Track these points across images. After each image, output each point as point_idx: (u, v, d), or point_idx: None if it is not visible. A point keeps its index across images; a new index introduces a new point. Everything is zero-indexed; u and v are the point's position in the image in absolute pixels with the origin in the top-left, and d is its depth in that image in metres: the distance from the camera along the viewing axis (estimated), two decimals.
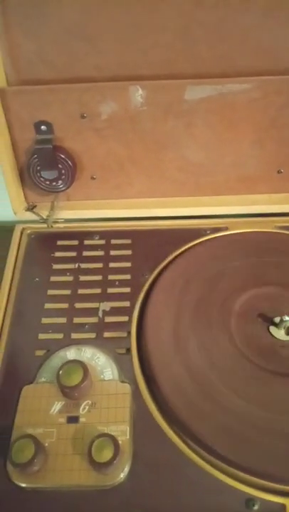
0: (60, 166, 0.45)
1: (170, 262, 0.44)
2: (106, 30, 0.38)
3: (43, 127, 0.43)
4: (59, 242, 0.47)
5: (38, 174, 0.45)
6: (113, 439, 0.30)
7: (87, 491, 0.30)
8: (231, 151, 0.46)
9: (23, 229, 0.49)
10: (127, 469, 0.30)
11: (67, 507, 0.29)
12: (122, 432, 0.32)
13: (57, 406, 0.33)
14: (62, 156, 0.44)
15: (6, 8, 0.37)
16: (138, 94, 0.41)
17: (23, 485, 0.30)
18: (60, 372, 0.33)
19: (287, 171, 0.47)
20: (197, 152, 0.46)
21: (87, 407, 0.33)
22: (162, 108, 0.42)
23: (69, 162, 0.44)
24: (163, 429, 0.32)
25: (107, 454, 0.29)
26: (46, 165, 0.44)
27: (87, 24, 0.38)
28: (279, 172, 0.47)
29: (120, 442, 0.30)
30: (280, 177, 0.48)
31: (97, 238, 0.47)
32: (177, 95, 0.41)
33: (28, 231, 0.48)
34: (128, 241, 0.47)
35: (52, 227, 0.49)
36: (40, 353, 0.37)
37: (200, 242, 0.46)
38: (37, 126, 0.43)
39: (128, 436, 0.32)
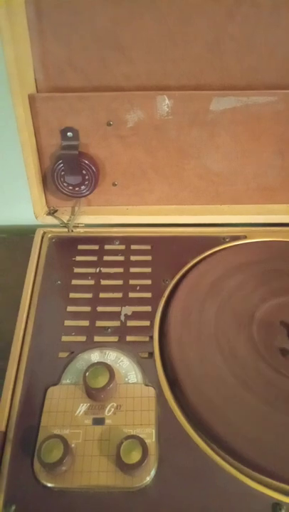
0: (84, 171, 0.45)
1: (190, 269, 0.45)
2: (137, 40, 0.39)
3: (69, 133, 0.44)
4: (80, 247, 0.48)
5: (62, 179, 0.46)
6: (141, 441, 0.30)
7: (114, 493, 0.30)
8: (253, 161, 0.47)
9: (44, 233, 0.49)
10: (153, 472, 0.31)
11: (95, 508, 0.29)
12: (148, 434, 0.32)
13: (82, 408, 0.34)
14: (87, 162, 0.45)
15: (41, 16, 0.38)
16: (165, 103, 0.42)
17: (51, 485, 0.30)
18: (87, 374, 0.34)
19: None
20: (219, 161, 0.47)
21: (112, 410, 0.34)
22: (187, 118, 0.43)
23: (93, 168, 0.45)
24: (188, 433, 0.33)
25: (135, 456, 0.29)
26: (70, 170, 0.45)
27: (119, 33, 0.39)
28: None
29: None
30: None
31: (117, 243, 0.48)
32: (203, 106, 0.42)
33: (49, 235, 0.49)
34: (148, 247, 0.48)
35: (72, 231, 0.49)
36: (63, 355, 0.38)
37: (220, 250, 0.47)
38: (63, 132, 0.44)
39: (154, 440, 0.32)
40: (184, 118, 0.43)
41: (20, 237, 0.57)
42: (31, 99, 0.42)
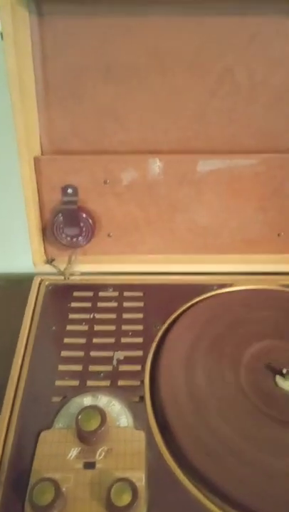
0: (81, 224, 0.49)
1: (180, 315, 0.47)
2: (132, 112, 0.45)
3: (69, 190, 0.48)
4: (75, 294, 0.50)
5: (61, 231, 0.49)
6: (131, 484, 0.31)
7: None
8: (236, 216, 0.51)
9: (42, 280, 0.52)
10: None
11: None
12: (138, 478, 0.32)
13: (74, 452, 0.34)
14: (84, 215, 0.49)
15: (48, 90, 0.44)
16: (156, 165, 0.47)
17: None
18: (79, 417, 0.35)
19: (286, 234, 0.52)
20: (205, 216, 0.51)
21: (103, 453, 0.34)
22: (177, 178, 0.48)
23: (90, 221, 0.49)
24: (178, 477, 0.33)
25: (125, 499, 0.30)
26: (69, 223, 0.49)
27: (117, 106, 0.45)
28: (279, 235, 0.53)
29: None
30: (279, 239, 0.53)
31: (111, 290, 0.51)
32: (190, 167, 0.47)
33: (46, 282, 0.52)
34: (140, 294, 0.50)
35: (68, 279, 0.52)
36: (56, 399, 0.39)
37: (208, 297, 0.49)
38: (64, 189, 0.48)
39: (144, 483, 0.32)
40: (174, 178, 0.48)
41: (17, 284, 0.60)
42: (36, 160, 0.46)
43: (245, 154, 0.47)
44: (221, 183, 0.49)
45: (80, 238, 0.50)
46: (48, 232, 0.51)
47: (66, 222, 0.49)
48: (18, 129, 0.43)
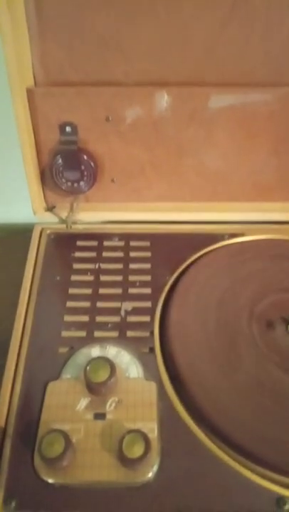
0: (82, 167, 0.45)
1: (190, 265, 0.45)
2: (136, 42, 0.39)
3: (67, 128, 0.44)
4: (79, 243, 0.47)
5: (61, 175, 0.46)
6: (144, 435, 0.30)
7: (116, 488, 0.29)
8: (249, 159, 0.47)
9: (43, 229, 0.49)
10: (156, 468, 0.30)
11: (97, 503, 0.29)
12: (150, 429, 0.32)
13: (83, 402, 0.33)
14: (86, 157, 0.45)
15: (41, 19, 0.38)
16: (164, 100, 0.42)
17: (51, 481, 0.29)
18: (88, 368, 0.33)
19: None
20: (216, 159, 0.47)
21: (113, 404, 0.33)
22: (186, 115, 0.43)
23: (91, 164, 0.45)
24: (190, 427, 0.32)
25: (138, 450, 0.29)
26: (69, 166, 0.45)
27: (119, 36, 0.39)
28: None
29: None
30: None
31: (116, 240, 0.48)
32: (201, 103, 0.43)
33: (48, 231, 0.49)
34: (147, 243, 0.47)
35: (71, 228, 0.49)
36: (63, 350, 0.37)
37: (219, 247, 0.47)
38: (62, 127, 0.43)
39: (156, 434, 0.31)
40: (183, 115, 0.43)
41: (17, 235, 0.57)
42: (30, 93, 0.41)
43: (260, 88, 0.43)
44: (233, 122, 0.44)
45: (81, 183, 0.46)
46: (47, 176, 0.47)
47: (66, 165, 0.45)
48: (9, 60, 0.38)
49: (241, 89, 0.42)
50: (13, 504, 0.29)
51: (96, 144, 0.45)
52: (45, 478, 0.30)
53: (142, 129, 0.44)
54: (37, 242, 0.47)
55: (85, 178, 0.46)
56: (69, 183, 0.46)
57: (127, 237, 0.48)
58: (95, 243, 0.47)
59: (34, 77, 0.42)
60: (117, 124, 0.44)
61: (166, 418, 0.33)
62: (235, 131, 0.45)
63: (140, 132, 0.45)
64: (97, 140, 0.45)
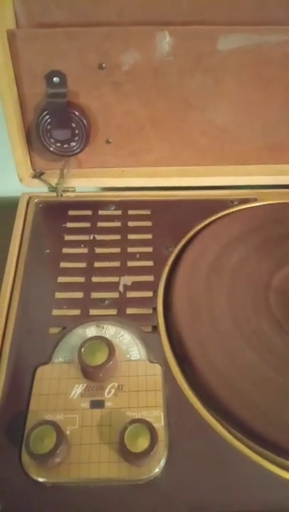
0: (73, 124, 0.40)
1: (196, 234, 0.40)
2: None
3: (55, 79, 0.38)
4: (70, 212, 0.42)
5: (49, 134, 0.40)
6: (149, 426, 0.26)
7: (118, 486, 0.25)
8: (260, 114, 0.42)
9: (30, 198, 0.44)
10: (163, 462, 0.26)
11: (96, 505, 0.25)
12: (156, 418, 0.27)
13: (78, 389, 0.29)
14: (77, 113, 0.39)
15: None
16: (165, 41, 0.37)
17: (42, 480, 0.25)
18: (82, 349, 0.29)
19: None
20: (224, 114, 0.42)
21: (113, 391, 0.29)
22: (191, 59, 0.38)
23: (84, 121, 0.40)
24: (201, 414, 0.28)
25: (143, 443, 0.25)
26: (58, 123, 0.39)
27: None
28: None
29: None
30: None
31: (112, 208, 0.43)
32: (208, 45, 0.37)
33: (36, 200, 0.44)
34: (147, 212, 0.43)
35: (62, 196, 0.44)
36: (54, 330, 0.33)
37: (228, 214, 0.42)
38: (49, 77, 0.38)
39: (163, 423, 0.27)
40: (187, 60, 0.38)
41: (3, 209, 0.52)
42: (10, 36, 0.36)
43: (276, 27, 0.37)
44: (244, 69, 0.39)
45: (72, 144, 0.41)
46: (34, 137, 0.42)
47: (54, 122, 0.39)
48: None
49: (254, 29, 0.37)
50: None
51: (88, 97, 0.40)
52: (34, 477, 0.25)
53: (141, 79, 0.39)
54: (24, 212, 0.42)
55: (77, 138, 0.41)
56: (58, 144, 0.41)
57: (124, 205, 0.43)
58: (88, 212, 0.42)
59: (16, 19, 0.36)
60: (111, 72, 0.38)
61: (174, 405, 0.29)
62: (247, 78, 0.40)
63: (138, 82, 0.39)
64: (90, 93, 0.39)
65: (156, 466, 0.26)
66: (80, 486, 0.25)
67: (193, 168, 0.45)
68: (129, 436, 0.25)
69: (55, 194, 0.44)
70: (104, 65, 0.38)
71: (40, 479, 0.25)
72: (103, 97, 0.40)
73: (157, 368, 0.30)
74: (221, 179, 0.45)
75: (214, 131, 0.43)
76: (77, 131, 0.40)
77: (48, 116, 0.39)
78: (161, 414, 0.28)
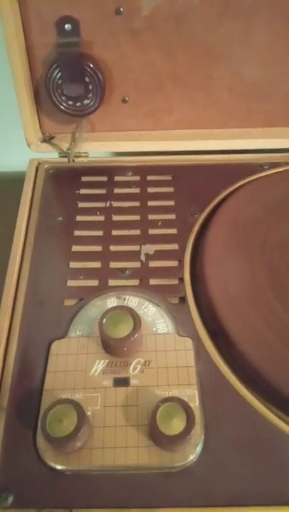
0: (86, 79, 0.36)
1: (224, 199, 0.36)
2: None
3: (67, 26, 0.34)
4: (84, 179, 0.39)
5: (60, 91, 0.36)
6: (184, 405, 0.22)
7: (148, 475, 0.22)
8: None
9: (39, 164, 0.40)
10: (199, 447, 0.22)
11: (123, 495, 0.21)
12: (190, 397, 0.24)
13: (99, 365, 0.25)
14: (91, 65, 0.35)
15: None
16: None
17: (61, 467, 0.22)
18: (104, 321, 0.25)
19: None
20: (254, 68, 0.38)
21: (139, 367, 0.25)
22: (218, 2, 0.34)
23: (98, 74, 0.36)
24: (241, 393, 0.25)
25: (178, 425, 0.21)
26: (70, 77, 0.35)
27: None
28: None
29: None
30: None
31: (130, 174, 0.39)
32: None
33: (46, 166, 0.40)
34: (168, 177, 0.39)
35: (74, 161, 0.40)
36: (70, 302, 0.29)
37: (258, 178, 0.38)
38: (60, 24, 0.34)
39: (197, 403, 0.24)
40: (213, 3, 0.34)
41: (10, 184, 0.48)
42: None
43: None
44: (278, 14, 0.35)
45: (85, 101, 0.37)
46: (43, 94, 0.38)
47: (66, 76, 0.35)
48: None
49: None
50: (10, 500, 0.21)
51: (103, 48, 0.36)
52: (51, 464, 0.22)
53: (162, 26, 0.35)
54: (33, 178, 0.39)
55: (90, 95, 0.37)
56: (70, 102, 0.37)
57: (143, 170, 0.39)
58: (104, 178, 0.39)
59: None
60: (129, 18, 0.34)
61: (209, 382, 0.25)
62: (280, 26, 0.35)
63: (159, 31, 0.35)
64: (105, 43, 0.35)
65: (192, 452, 0.22)
66: (104, 475, 0.22)
67: (217, 131, 0.41)
68: (161, 417, 0.21)
69: (66, 160, 0.40)
70: (121, 9, 0.34)
71: (59, 467, 0.22)
72: (120, 47, 0.36)
73: (188, 342, 0.26)
74: (248, 142, 0.41)
75: (242, 88, 0.39)
76: (90, 87, 0.36)
77: (58, 70, 0.35)
78: (196, 392, 0.24)
